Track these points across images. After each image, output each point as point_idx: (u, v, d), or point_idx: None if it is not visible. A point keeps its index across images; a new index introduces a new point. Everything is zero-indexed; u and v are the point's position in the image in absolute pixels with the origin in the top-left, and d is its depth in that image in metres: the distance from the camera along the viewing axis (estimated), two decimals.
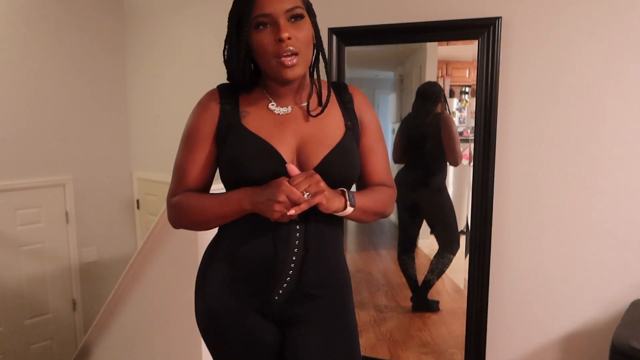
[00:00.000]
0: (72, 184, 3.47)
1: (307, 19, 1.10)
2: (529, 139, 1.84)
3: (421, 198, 2.14)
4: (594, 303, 1.81)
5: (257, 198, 1.04)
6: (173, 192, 1.20)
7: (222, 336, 1.20)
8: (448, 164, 2.03)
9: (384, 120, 2.11)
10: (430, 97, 2.03)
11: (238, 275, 1.16)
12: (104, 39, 3.58)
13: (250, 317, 1.17)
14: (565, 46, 1.76)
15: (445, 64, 1.98)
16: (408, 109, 2.10)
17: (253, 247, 1.13)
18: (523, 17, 1.80)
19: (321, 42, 1.16)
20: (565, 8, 1.74)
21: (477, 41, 1.84)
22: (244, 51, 1.09)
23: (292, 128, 1.14)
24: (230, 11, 1.11)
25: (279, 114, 1.15)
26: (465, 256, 1.97)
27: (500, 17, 1.79)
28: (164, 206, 2.05)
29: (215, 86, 1.20)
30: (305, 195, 1.01)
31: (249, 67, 1.13)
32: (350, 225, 2.25)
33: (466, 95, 1.96)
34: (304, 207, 1.02)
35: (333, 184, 1.10)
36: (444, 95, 1.99)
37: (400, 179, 2.11)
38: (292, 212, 1.01)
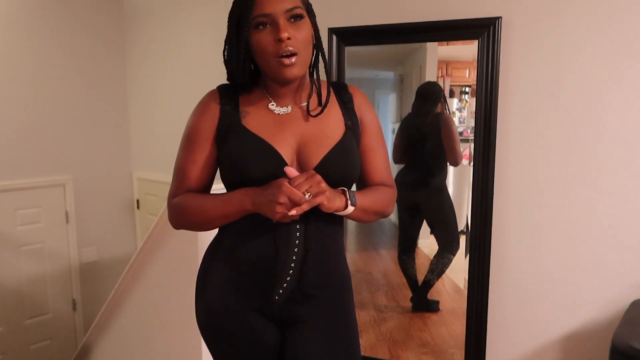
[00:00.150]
0: (72, 184, 3.47)
1: (306, 19, 1.10)
2: (529, 139, 1.84)
3: (421, 198, 2.14)
4: (594, 303, 1.81)
5: (259, 199, 1.04)
6: (174, 193, 1.20)
7: (222, 336, 1.20)
8: (448, 164, 2.03)
9: (384, 120, 2.11)
10: (429, 97, 2.03)
11: (238, 275, 1.16)
12: (104, 39, 3.58)
13: (251, 317, 1.17)
14: (565, 46, 1.76)
15: (445, 64, 1.98)
16: (408, 109, 2.10)
17: (253, 247, 1.13)
18: (523, 17, 1.80)
19: (321, 42, 1.16)
20: (566, 8, 1.74)
21: (477, 41, 1.84)
22: (243, 51, 1.09)
23: (292, 128, 1.14)
24: (230, 11, 1.11)
25: (279, 113, 1.15)
26: (465, 256, 1.97)
27: (500, 17, 1.79)
28: (164, 206, 2.05)
29: (215, 86, 1.20)
30: (307, 196, 1.01)
31: (248, 67, 1.13)
32: (350, 225, 2.25)
33: (466, 95, 1.96)
34: (305, 207, 1.02)
35: (333, 183, 1.10)
36: (444, 95, 1.99)
37: (400, 179, 2.11)
38: (293, 212, 1.01)
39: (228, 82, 1.18)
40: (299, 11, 1.08)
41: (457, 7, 1.88)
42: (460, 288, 2.02)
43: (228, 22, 1.11)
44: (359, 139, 1.21)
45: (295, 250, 1.12)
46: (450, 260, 2.07)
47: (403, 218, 2.19)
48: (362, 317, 2.17)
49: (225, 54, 1.14)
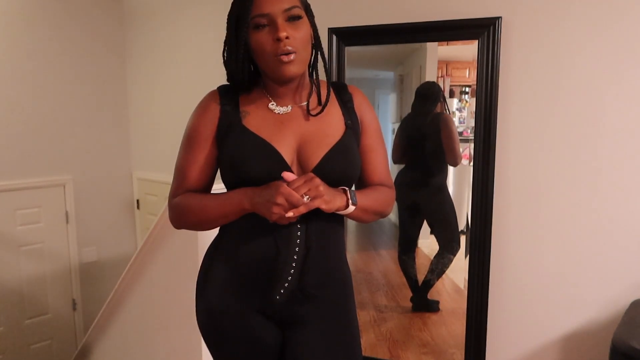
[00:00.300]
0: (72, 184, 3.48)
1: (305, 19, 1.10)
2: (529, 139, 1.84)
3: (421, 198, 2.14)
4: (594, 303, 1.81)
5: (257, 198, 1.05)
6: (174, 193, 1.20)
7: (223, 336, 1.20)
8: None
9: (384, 120, 2.11)
10: (429, 97, 2.03)
11: (239, 275, 1.16)
12: (104, 39, 3.58)
13: (252, 317, 1.17)
14: (566, 46, 1.76)
15: (445, 64, 1.98)
16: (408, 109, 2.10)
17: (254, 246, 1.13)
18: (523, 17, 1.80)
19: (320, 42, 1.16)
20: (566, 8, 1.74)
21: (477, 41, 1.84)
22: (242, 51, 1.09)
23: (292, 127, 1.14)
24: (229, 12, 1.12)
25: (279, 113, 1.15)
26: (465, 256, 1.97)
27: (500, 17, 1.79)
28: (164, 206, 2.05)
29: (215, 87, 1.21)
30: (305, 199, 1.01)
31: (248, 68, 1.13)
32: (350, 225, 2.25)
33: (466, 95, 1.96)
34: (302, 210, 1.02)
35: (333, 182, 1.10)
36: (443, 95, 1.99)
37: (400, 179, 2.11)
38: (290, 214, 1.01)
39: (228, 83, 1.18)
40: (297, 11, 1.08)
41: (457, 7, 1.88)
42: (460, 288, 2.02)
43: (227, 22, 1.12)
44: (359, 139, 1.21)
45: (296, 249, 1.12)
46: (451, 260, 2.07)
47: (403, 218, 2.19)
48: (362, 317, 2.17)
49: (225, 54, 1.14)
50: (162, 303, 2.25)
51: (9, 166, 3.19)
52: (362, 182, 1.25)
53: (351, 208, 1.11)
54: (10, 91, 3.17)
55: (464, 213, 2.00)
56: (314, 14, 1.17)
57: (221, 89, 1.19)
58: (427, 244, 2.15)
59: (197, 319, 1.24)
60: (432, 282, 2.10)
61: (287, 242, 1.12)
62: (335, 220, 1.18)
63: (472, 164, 1.91)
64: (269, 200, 1.01)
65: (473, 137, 1.89)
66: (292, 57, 1.06)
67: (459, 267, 2.01)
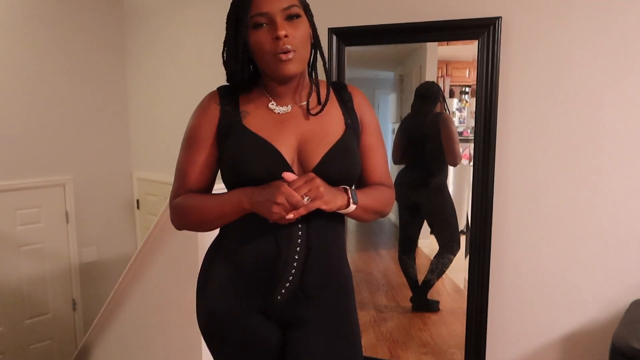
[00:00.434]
0: (72, 184, 3.47)
1: (304, 18, 1.11)
2: (529, 139, 1.84)
3: (421, 198, 2.14)
4: (594, 303, 1.81)
5: (257, 198, 1.05)
6: (175, 194, 1.21)
7: (223, 336, 1.20)
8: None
9: (384, 120, 2.11)
10: (428, 97, 2.03)
11: (240, 275, 1.16)
12: (104, 39, 3.58)
13: (253, 318, 1.17)
14: (566, 46, 1.76)
15: (445, 64, 1.98)
16: (408, 109, 2.10)
17: (255, 246, 1.13)
18: (523, 17, 1.80)
19: (319, 41, 1.16)
20: (566, 8, 1.74)
21: (477, 41, 1.84)
22: (242, 51, 1.09)
23: (292, 127, 1.14)
24: (228, 13, 1.12)
25: (279, 113, 1.15)
26: (465, 256, 1.97)
27: (500, 17, 1.79)
28: (164, 206, 2.05)
29: (215, 86, 1.21)
30: (305, 200, 1.01)
31: (247, 68, 1.13)
32: (350, 225, 2.25)
33: (466, 95, 1.96)
34: (302, 211, 1.02)
35: (334, 181, 1.10)
36: (443, 95, 1.99)
37: (400, 179, 2.11)
38: (290, 216, 1.01)
39: (228, 84, 1.18)
40: (295, 10, 1.08)
41: (457, 7, 1.88)
42: (460, 288, 2.02)
43: (226, 22, 1.12)
44: (358, 138, 1.21)
45: (297, 249, 1.12)
46: (451, 261, 2.07)
47: (403, 218, 2.19)
48: (362, 317, 2.17)
49: (224, 54, 1.15)
50: (162, 303, 2.25)
51: (9, 166, 3.19)
52: (362, 182, 1.25)
53: (352, 207, 1.10)
54: (10, 91, 3.17)
55: (464, 213, 2.00)
56: (314, 13, 1.17)
57: (221, 89, 1.19)
58: (427, 244, 2.15)
59: (198, 319, 1.24)
60: (432, 282, 2.10)
61: (287, 242, 1.12)
62: (336, 219, 1.18)
63: (472, 164, 1.91)
64: (269, 199, 1.01)
65: (473, 137, 1.89)
66: (290, 55, 1.06)
67: (459, 267, 2.01)
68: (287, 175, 1.05)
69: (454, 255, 2.06)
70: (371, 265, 2.26)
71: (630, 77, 1.69)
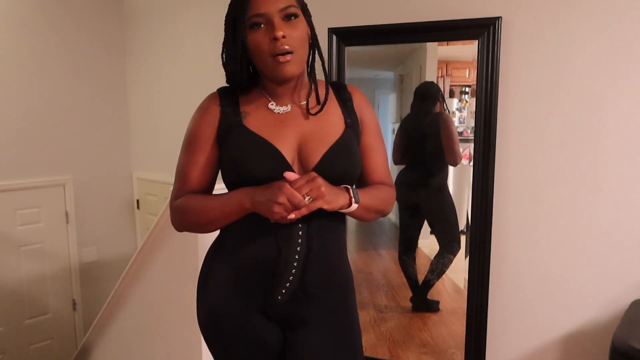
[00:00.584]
0: (72, 184, 3.47)
1: (301, 18, 1.11)
2: (529, 139, 1.84)
3: (422, 198, 2.14)
4: (594, 303, 1.81)
5: (258, 198, 1.05)
6: (175, 195, 1.21)
7: (224, 337, 1.20)
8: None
9: (384, 120, 2.11)
10: (428, 97, 2.03)
11: (241, 275, 1.16)
12: (104, 39, 3.58)
13: (253, 318, 1.17)
14: (566, 46, 1.76)
15: (445, 64, 1.98)
16: (408, 109, 2.10)
17: (256, 247, 1.13)
18: (523, 17, 1.80)
19: (317, 41, 1.16)
20: (566, 8, 1.74)
21: (477, 41, 1.84)
22: (240, 52, 1.09)
23: (292, 127, 1.14)
24: (226, 14, 1.12)
25: (278, 113, 1.16)
26: (465, 256, 1.97)
27: (500, 17, 1.79)
28: (164, 206, 2.05)
29: (215, 86, 1.21)
30: (306, 199, 1.01)
31: (246, 68, 1.14)
32: (350, 225, 2.25)
33: (466, 95, 1.96)
34: (304, 211, 1.02)
35: (335, 181, 1.10)
36: (442, 94, 1.99)
37: (400, 179, 2.11)
38: (292, 216, 1.01)
39: (228, 85, 1.18)
40: (293, 10, 1.08)
41: (457, 7, 1.88)
42: (460, 288, 2.02)
43: (225, 24, 1.13)
44: (359, 137, 1.21)
45: (298, 249, 1.12)
46: (451, 261, 2.07)
47: (403, 218, 2.19)
48: (362, 317, 2.17)
49: (223, 56, 1.15)
50: (162, 303, 2.25)
51: (9, 166, 3.19)
52: (363, 181, 1.25)
53: (354, 206, 1.10)
54: (10, 91, 3.17)
55: (464, 213, 2.00)
56: (314, 13, 1.17)
57: (221, 90, 1.19)
58: (427, 244, 2.15)
59: (198, 320, 1.24)
60: (432, 282, 2.10)
61: (288, 242, 1.12)
62: (337, 219, 1.18)
63: (472, 164, 1.91)
64: (270, 199, 1.01)
65: (473, 137, 1.89)
66: (288, 57, 1.06)
67: (459, 267, 2.01)
68: (289, 175, 1.05)
69: (454, 255, 2.06)
70: (371, 265, 2.26)
71: (630, 77, 1.69)
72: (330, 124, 1.17)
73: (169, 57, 3.32)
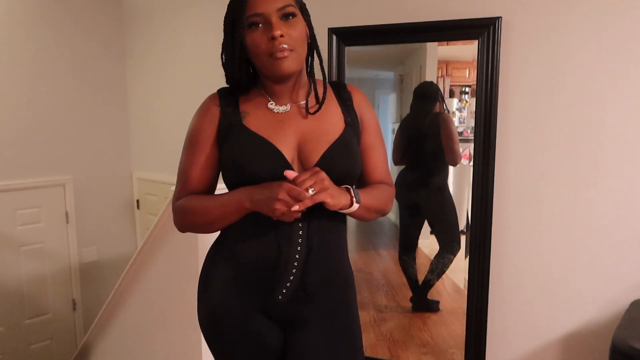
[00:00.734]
0: (72, 184, 3.47)
1: (299, 17, 1.11)
2: (529, 139, 1.84)
3: (422, 198, 2.14)
4: (594, 303, 1.81)
5: (258, 196, 1.05)
6: (177, 196, 1.21)
7: (224, 337, 1.20)
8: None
9: (384, 120, 2.11)
10: (427, 97, 2.03)
11: (241, 275, 1.16)
12: (104, 40, 3.58)
13: (254, 318, 1.17)
14: (566, 46, 1.76)
15: (445, 64, 1.98)
16: (408, 109, 2.10)
17: (256, 246, 1.13)
18: (523, 17, 1.80)
19: (316, 40, 1.17)
20: (566, 8, 1.74)
21: (477, 41, 1.84)
22: (238, 51, 1.10)
23: (291, 126, 1.15)
24: (225, 15, 1.12)
25: (278, 112, 1.16)
26: (465, 256, 1.97)
27: (500, 17, 1.79)
28: (164, 206, 2.05)
29: (215, 86, 1.21)
30: (310, 191, 1.01)
31: (245, 68, 1.14)
32: (350, 225, 2.24)
33: (466, 95, 1.96)
34: (308, 203, 1.01)
35: (335, 180, 1.10)
36: (442, 94, 1.99)
37: (400, 179, 2.11)
38: (295, 207, 1.00)
39: (228, 85, 1.19)
40: (291, 9, 1.09)
41: (457, 7, 1.88)
42: (460, 288, 2.02)
43: (224, 24, 1.13)
44: (359, 137, 1.21)
45: (298, 249, 1.12)
46: (451, 261, 2.07)
47: (403, 218, 2.19)
48: (362, 317, 2.17)
49: (223, 56, 1.15)
50: (162, 303, 2.25)
51: (9, 166, 3.19)
52: (363, 181, 1.25)
53: (355, 206, 1.10)
54: (10, 91, 3.17)
55: (464, 213, 2.00)
56: (314, 13, 1.17)
57: (221, 91, 1.20)
58: (427, 244, 2.15)
59: (199, 320, 1.24)
60: (432, 282, 2.10)
61: (288, 242, 1.12)
62: (337, 219, 1.18)
63: (472, 163, 1.91)
64: (270, 196, 1.01)
65: (473, 137, 1.89)
66: (286, 53, 1.07)
67: (459, 267, 2.01)
68: (289, 173, 1.05)
69: (454, 255, 2.06)
70: (371, 265, 2.26)
71: (630, 77, 1.69)
72: (330, 123, 1.17)
73: (169, 57, 3.32)
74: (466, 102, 1.96)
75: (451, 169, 2.03)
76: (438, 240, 2.12)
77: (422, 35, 1.95)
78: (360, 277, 2.21)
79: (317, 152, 1.12)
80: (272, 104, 1.16)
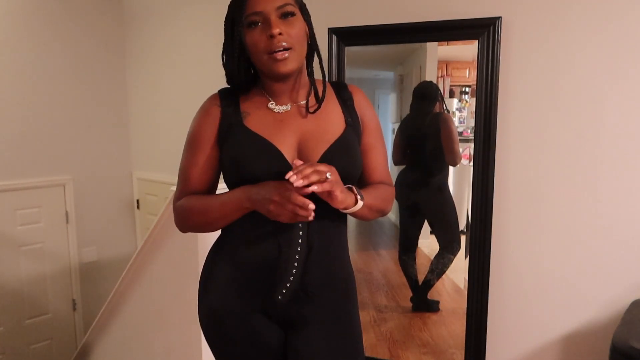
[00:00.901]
0: (72, 184, 3.47)
1: (299, 16, 1.11)
2: (529, 139, 1.84)
3: (422, 198, 2.14)
4: (594, 303, 1.81)
5: (255, 196, 1.05)
6: (178, 196, 1.21)
7: (225, 337, 1.20)
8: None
9: (383, 120, 2.11)
10: (427, 97, 2.03)
11: (241, 275, 1.16)
12: (104, 40, 3.58)
13: (254, 318, 1.17)
14: (566, 46, 1.76)
15: (445, 64, 1.98)
16: (408, 109, 2.10)
17: (256, 246, 1.14)
18: (523, 17, 1.80)
19: (315, 40, 1.17)
20: (566, 8, 1.74)
21: (477, 41, 1.84)
22: (238, 50, 1.10)
23: (292, 126, 1.15)
24: (226, 14, 1.13)
25: (278, 112, 1.16)
26: (465, 256, 1.97)
27: (500, 17, 1.79)
28: (164, 206, 2.05)
29: (215, 86, 1.21)
30: (327, 175, 0.99)
31: (245, 67, 1.14)
32: (350, 225, 2.24)
33: (466, 95, 1.96)
34: (326, 186, 0.98)
35: None
36: (441, 94, 1.99)
37: (400, 179, 2.11)
38: (299, 182, 0.96)
39: (228, 86, 1.19)
40: (290, 8, 1.09)
41: (457, 7, 1.88)
42: (460, 288, 2.02)
43: (224, 24, 1.14)
44: (359, 137, 1.21)
45: (299, 249, 1.12)
46: (451, 261, 2.07)
47: (404, 218, 2.19)
48: (362, 317, 2.17)
49: (223, 56, 1.15)
50: (162, 303, 2.25)
51: (9, 166, 3.19)
52: (363, 181, 1.25)
53: (360, 204, 1.10)
54: (10, 91, 3.16)
55: (464, 213, 2.00)
56: (314, 13, 1.17)
57: (222, 91, 1.20)
58: (427, 244, 2.15)
59: (200, 320, 1.24)
60: (432, 282, 2.10)
61: (288, 242, 1.12)
62: (338, 219, 1.18)
63: (472, 163, 1.91)
64: (265, 197, 1.02)
65: (473, 137, 1.89)
66: (286, 54, 1.07)
67: (459, 267, 2.01)
68: (297, 162, 1.04)
69: (454, 255, 2.06)
70: (371, 265, 2.26)
71: (630, 76, 1.69)
72: (331, 123, 1.17)
73: (169, 57, 3.32)
74: (466, 102, 1.96)
75: (451, 169, 2.03)
76: (438, 240, 2.12)
77: (422, 35, 1.95)
78: (360, 277, 2.21)
79: (317, 152, 1.12)
80: (272, 103, 1.16)
